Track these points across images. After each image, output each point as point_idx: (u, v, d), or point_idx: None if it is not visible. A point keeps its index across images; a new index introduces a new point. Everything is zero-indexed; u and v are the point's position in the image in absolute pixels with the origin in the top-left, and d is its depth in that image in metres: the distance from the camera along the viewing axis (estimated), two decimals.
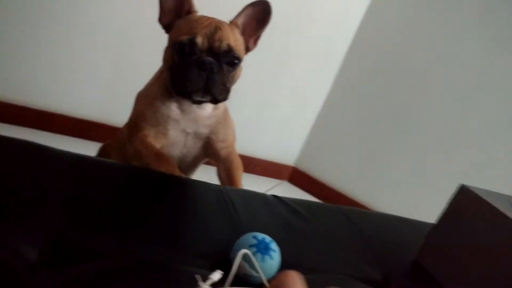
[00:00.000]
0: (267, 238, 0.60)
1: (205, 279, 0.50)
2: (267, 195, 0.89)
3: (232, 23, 0.91)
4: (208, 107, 0.95)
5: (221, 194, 0.80)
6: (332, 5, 2.02)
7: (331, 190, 2.27)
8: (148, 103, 0.94)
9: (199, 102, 0.91)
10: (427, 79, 1.98)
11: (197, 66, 0.83)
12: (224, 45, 0.85)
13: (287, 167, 2.41)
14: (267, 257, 0.57)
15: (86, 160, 0.75)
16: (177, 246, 0.62)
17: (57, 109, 1.85)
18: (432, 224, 0.83)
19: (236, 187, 0.95)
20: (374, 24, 2.10)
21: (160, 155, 0.89)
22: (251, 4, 0.90)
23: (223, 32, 0.85)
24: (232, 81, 0.90)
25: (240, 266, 0.54)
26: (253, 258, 0.54)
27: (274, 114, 2.23)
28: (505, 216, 0.67)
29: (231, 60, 0.87)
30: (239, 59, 0.89)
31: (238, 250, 0.53)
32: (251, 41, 0.94)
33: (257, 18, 0.92)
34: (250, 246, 0.57)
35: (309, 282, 0.63)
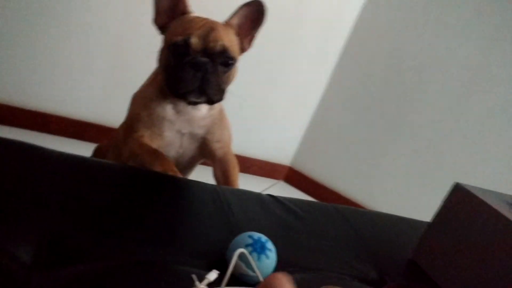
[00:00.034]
0: (263, 238, 0.60)
1: (201, 279, 0.50)
2: (263, 194, 0.89)
3: (227, 23, 0.91)
4: (203, 108, 0.95)
5: (217, 194, 0.80)
6: (327, 5, 2.03)
7: (326, 190, 2.27)
8: (143, 104, 0.94)
9: (195, 103, 0.91)
10: (421, 79, 1.99)
11: (192, 66, 0.83)
12: (218, 46, 0.85)
13: (283, 167, 2.41)
14: (263, 257, 0.58)
15: (81, 160, 0.75)
16: (173, 246, 0.62)
17: (53, 110, 1.84)
18: (427, 222, 0.83)
19: (232, 187, 0.95)
20: (369, 24, 2.10)
21: (155, 152, 0.89)
22: (245, 5, 0.91)
23: (218, 33, 0.86)
24: (227, 81, 0.90)
25: (236, 266, 0.54)
26: (249, 258, 0.54)
27: (270, 115, 2.23)
28: (499, 214, 0.68)
29: (225, 61, 0.87)
30: (234, 60, 0.89)
31: (234, 249, 0.53)
32: (246, 41, 0.95)
33: (252, 18, 0.92)
34: (246, 246, 0.57)
35: (304, 281, 0.63)
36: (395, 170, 2.09)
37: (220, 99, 0.90)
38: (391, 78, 2.08)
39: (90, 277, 0.51)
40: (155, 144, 0.94)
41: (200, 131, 0.97)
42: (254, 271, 0.55)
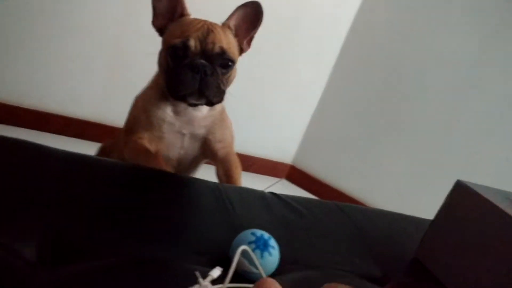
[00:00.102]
0: (266, 235, 0.60)
1: (204, 275, 0.50)
2: (265, 192, 0.89)
3: (225, 25, 0.91)
4: (203, 109, 0.95)
5: (219, 192, 0.80)
6: (325, 3, 2.03)
7: (328, 188, 2.27)
8: (142, 107, 0.95)
9: (195, 105, 0.91)
10: (420, 76, 1.99)
11: (191, 69, 0.83)
12: (217, 48, 0.85)
13: (284, 165, 2.41)
14: (266, 254, 0.58)
15: (83, 158, 0.75)
16: (176, 243, 0.62)
17: (54, 109, 1.84)
18: (430, 220, 0.83)
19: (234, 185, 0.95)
20: (367, 22, 2.10)
21: (150, 155, 0.90)
22: (242, 6, 0.90)
23: (216, 35, 0.86)
24: (227, 83, 0.90)
25: (239, 263, 0.54)
26: (252, 255, 0.54)
27: (271, 114, 2.23)
28: (501, 211, 0.68)
29: (224, 63, 0.87)
30: (233, 61, 0.89)
31: (237, 246, 0.53)
32: (245, 42, 0.95)
33: (249, 19, 0.92)
34: (249, 243, 0.58)
35: (307, 278, 0.63)
36: (397, 167, 2.08)
37: (219, 100, 0.90)
38: (390, 76, 2.07)
39: (93, 274, 0.51)
40: (155, 145, 0.94)
41: (201, 131, 0.97)
42: (257, 268, 0.55)
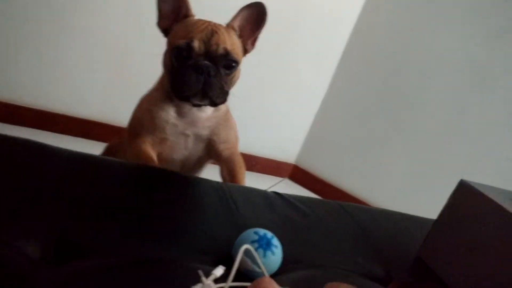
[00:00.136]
0: (269, 234, 0.60)
1: (207, 274, 0.50)
2: (268, 192, 0.90)
3: (229, 26, 0.91)
4: (208, 109, 0.95)
5: (222, 191, 0.80)
6: (329, 4, 2.03)
7: (331, 187, 2.27)
8: (146, 109, 0.95)
9: (198, 106, 0.91)
10: (423, 77, 1.98)
11: (194, 70, 0.84)
12: (220, 49, 0.86)
13: (288, 165, 2.42)
14: (269, 253, 0.58)
15: (87, 158, 0.76)
16: (180, 242, 0.62)
17: (58, 109, 1.85)
18: (433, 220, 0.83)
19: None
20: (370, 23, 2.10)
21: (149, 161, 0.90)
22: (246, 7, 0.91)
23: (220, 36, 0.86)
24: (230, 84, 0.91)
25: (242, 262, 0.55)
26: (255, 254, 0.54)
27: (274, 114, 2.24)
28: (505, 210, 0.68)
29: (228, 64, 0.88)
30: (237, 62, 0.89)
31: (240, 246, 0.53)
32: (249, 43, 0.95)
33: (253, 20, 0.92)
34: (252, 242, 0.58)
35: (310, 277, 0.63)
36: (399, 167, 2.08)
37: (223, 101, 0.91)
38: (393, 75, 2.07)
39: (96, 273, 0.52)
40: (159, 147, 0.94)
41: (205, 132, 0.97)
42: (260, 267, 0.55)
